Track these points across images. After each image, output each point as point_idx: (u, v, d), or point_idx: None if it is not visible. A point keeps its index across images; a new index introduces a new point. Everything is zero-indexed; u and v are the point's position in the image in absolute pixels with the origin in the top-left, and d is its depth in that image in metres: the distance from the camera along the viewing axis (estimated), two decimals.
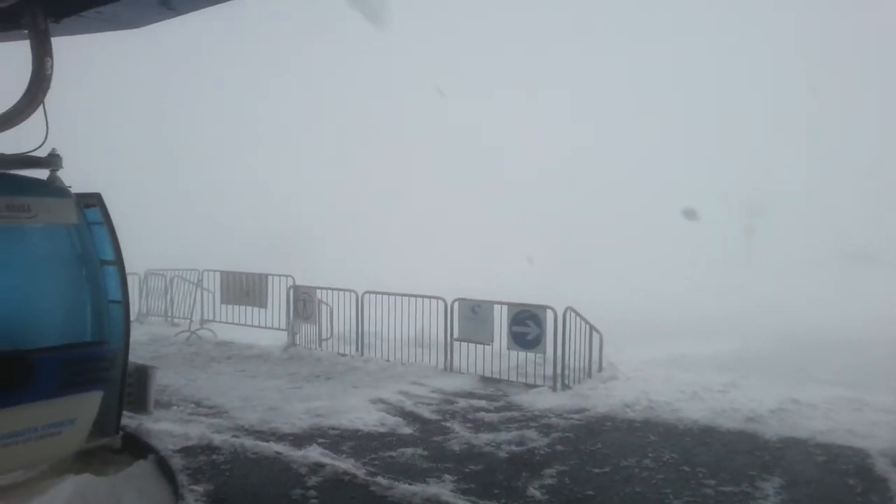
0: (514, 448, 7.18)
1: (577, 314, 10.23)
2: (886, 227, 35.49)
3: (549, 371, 10.02)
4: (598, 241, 38.98)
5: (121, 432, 6.48)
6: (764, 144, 52.59)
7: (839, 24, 58.51)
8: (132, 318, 7.15)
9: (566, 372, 9.96)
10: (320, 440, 7.23)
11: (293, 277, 13.11)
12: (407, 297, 11.50)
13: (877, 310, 19.99)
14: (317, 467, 6.36)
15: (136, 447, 6.76)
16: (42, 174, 6.23)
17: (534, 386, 9.93)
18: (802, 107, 52.69)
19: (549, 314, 9.97)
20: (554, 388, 9.74)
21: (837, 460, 6.89)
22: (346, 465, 6.45)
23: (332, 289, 12.54)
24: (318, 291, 12.56)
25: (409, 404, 8.94)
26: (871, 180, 44.67)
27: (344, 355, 11.84)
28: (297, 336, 12.87)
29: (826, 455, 7.04)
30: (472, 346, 10.80)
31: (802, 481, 6.31)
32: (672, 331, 16.26)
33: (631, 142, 57.25)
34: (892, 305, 20.45)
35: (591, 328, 10.50)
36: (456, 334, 10.96)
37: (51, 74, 6.26)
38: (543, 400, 9.21)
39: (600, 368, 10.62)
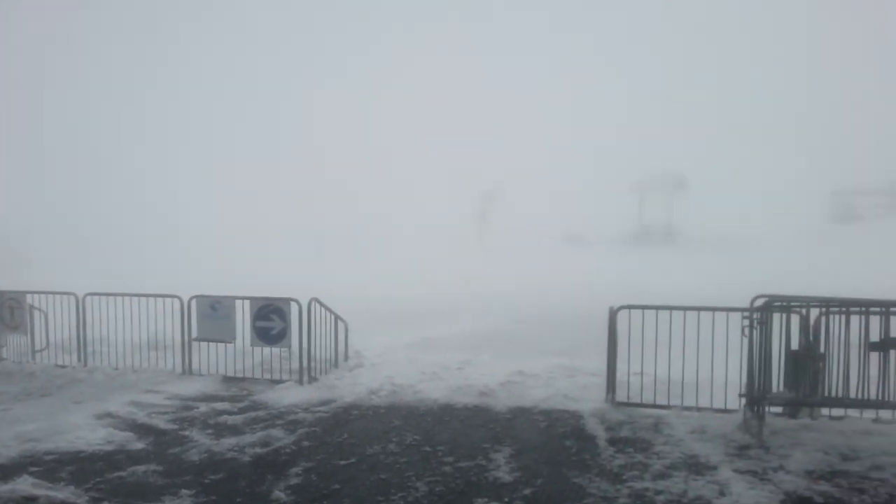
0: (258, 450, 6.95)
1: (323, 305, 10.19)
2: (593, 210, 40.34)
3: (296, 365, 9.88)
4: (343, 231, 39.33)
5: None
6: (496, 134, 56.73)
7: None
8: None
9: (313, 364, 9.89)
10: (33, 468, 6.37)
11: None
12: (137, 298, 10.58)
13: (588, 283, 22.62)
14: (27, 501, 5.59)
15: None
16: None
17: (280, 381, 9.73)
18: (521, 98, 57.65)
19: (294, 306, 9.82)
20: (300, 382, 9.62)
21: (556, 424, 7.67)
22: (63, 493, 5.75)
23: (47, 293, 11.13)
24: (29, 296, 11.08)
25: (141, 415, 8.24)
26: (585, 168, 50.46)
27: (64, 367, 10.59)
28: (4, 349, 11.24)
29: (547, 420, 7.82)
30: (213, 345, 10.28)
31: (529, 448, 6.91)
32: (414, 315, 16.93)
33: (360, 136, 58.40)
34: (600, 278, 23.35)
35: (337, 318, 10.54)
36: (194, 334, 10.36)
37: None
38: (290, 395, 9.06)
39: (346, 357, 10.73)
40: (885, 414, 7.23)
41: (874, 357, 6.81)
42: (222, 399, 9.05)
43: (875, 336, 6.84)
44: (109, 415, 8.24)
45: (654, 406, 8.10)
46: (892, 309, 6.80)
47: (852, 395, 6.87)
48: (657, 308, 8.00)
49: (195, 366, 10.36)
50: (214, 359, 10.21)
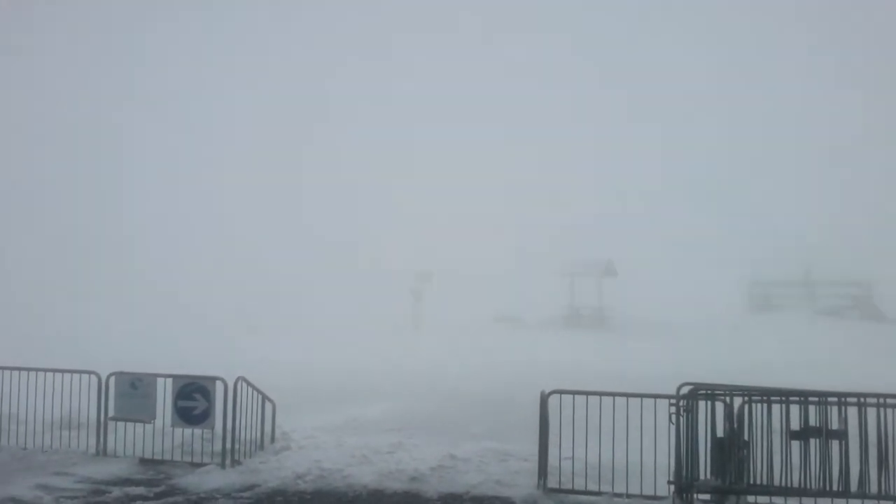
0: None
1: (249, 384, 9.90)
2: (524, 292, 40.88)
3: (219, 447, 9.48)
4: (269, 306, 38.73)
5: None
6: (431, 219, 57.25)
7: None
8: None
9: (237, 446, 9.52)
10: None
11: None
12: (51, 373, 10.08)
13: (519, 365, 22.67)
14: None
15: None
16: None
17: (201, 464, 9.30)
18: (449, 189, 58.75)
19: (219, 385, 9.51)
20: (223, 466, 9.22)
21: None
22: None
23: None
24: None
25: (48, 500, 7.74)
26: (516, 249, 51.43)
27: None
28: None
29: None
30: (130, 425, 9.81)
31: None
32: (345, 394, 16.59)
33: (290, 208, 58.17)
34: (531, 360, 23.44)
35: (264, 397, 10.24)
36: (112, 413, 9.88)
37: None
38: (211, 479, 8.66)
39: (273, 439, 10.37)
40: (807, 502, 7.39)
41: (795, 445, 7.03)
42: (138, 483, 8.58)
43: (795, 424, 7.08)
44: (13, 499, 7.70)
45: (586, 492, 8.08)
46: (811, 399, 7.09)
47: (776, 482, 7.03)
48: (587, 393, 8.10)
49: (110, 447, 9.83)
50: (132, 439, 9.72)
